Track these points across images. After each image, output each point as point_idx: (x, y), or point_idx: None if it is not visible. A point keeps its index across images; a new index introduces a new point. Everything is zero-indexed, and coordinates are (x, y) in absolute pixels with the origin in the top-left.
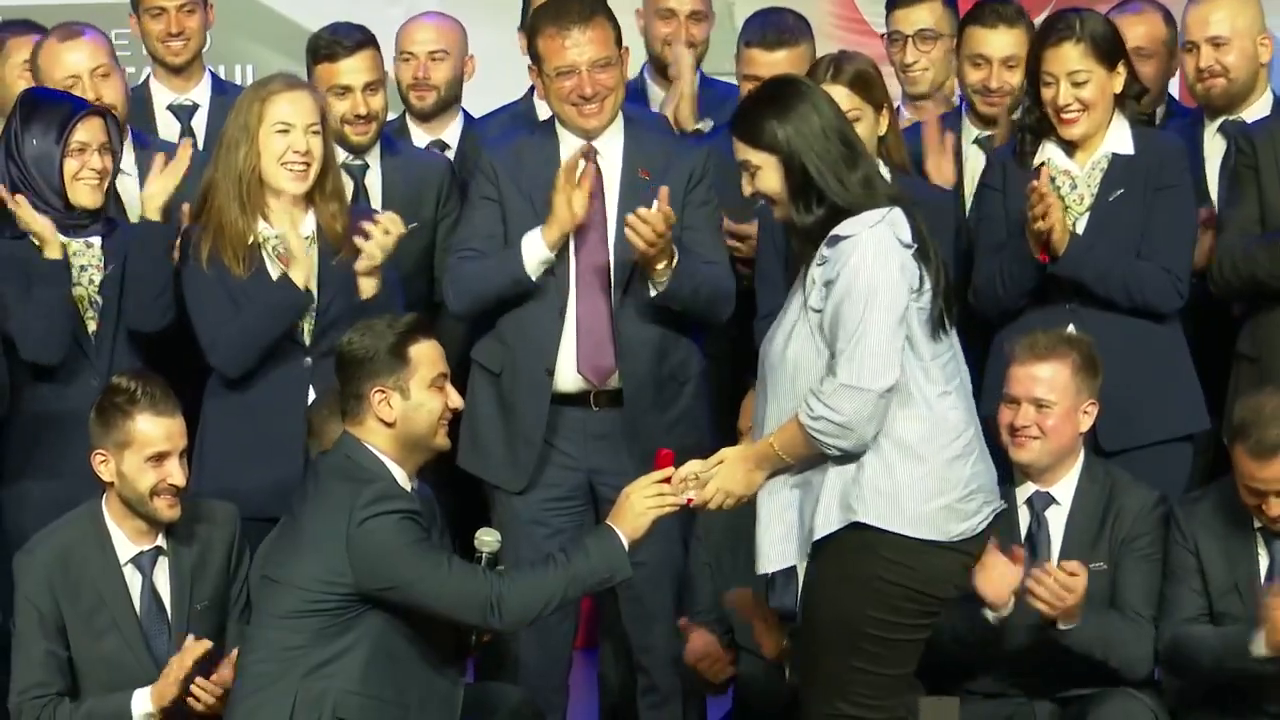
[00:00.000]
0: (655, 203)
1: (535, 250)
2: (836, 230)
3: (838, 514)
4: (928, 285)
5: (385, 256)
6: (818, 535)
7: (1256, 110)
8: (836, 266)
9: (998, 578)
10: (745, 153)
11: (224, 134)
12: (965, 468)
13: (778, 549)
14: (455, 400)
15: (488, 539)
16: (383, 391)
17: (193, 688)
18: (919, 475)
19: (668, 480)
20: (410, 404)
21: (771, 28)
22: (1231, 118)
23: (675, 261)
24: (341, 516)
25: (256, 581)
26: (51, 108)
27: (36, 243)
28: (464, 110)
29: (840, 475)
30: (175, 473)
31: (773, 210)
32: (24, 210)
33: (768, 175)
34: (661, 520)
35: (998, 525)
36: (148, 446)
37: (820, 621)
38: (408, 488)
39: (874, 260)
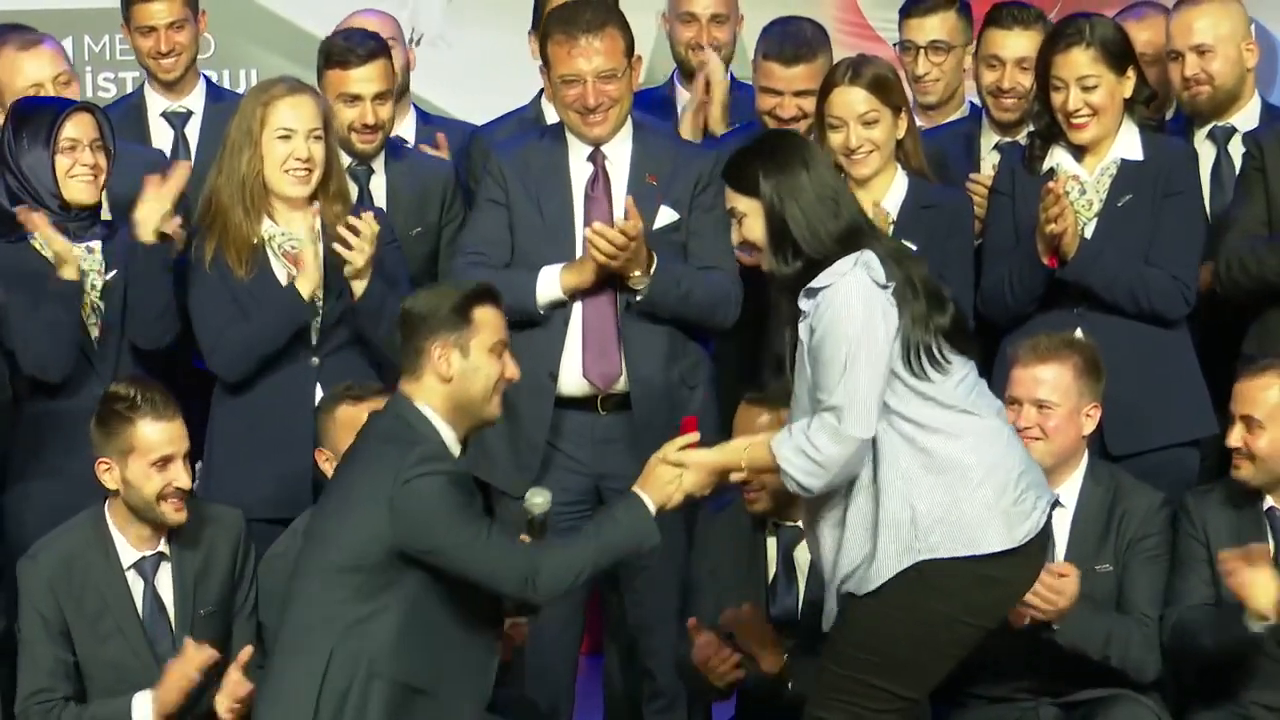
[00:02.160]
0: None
1: (550, 289)
2: (812, 283)
3: (908, 546)
4: (905, 320)
5: (367, 258)
6: (874, 584)
7: (1245, 115)
8: (817, 317)
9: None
10: (733, 199)
11: (227, 138)
12: (1008, 470)
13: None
14: (512, 370)
15: (538, 500)
16: (444, 347)
17: (223, 710)
18: (967, 494)
19: (694, 447)
20: (469, 364)
21: (790, 42)
22: (1220, 123)
23: (654, 268)
24: (387, 475)
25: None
26: (39, 112)
27: (52, 261)
28: (415, 106)
29: (898, 510)
30: (180, 476)
31: (758, 259)
32: (43, 228)
33: (752, 223)
34: (661, 524)
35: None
36: (152, 452)
37: (857, 637)
38: (455, 451)
39: (853, 307)
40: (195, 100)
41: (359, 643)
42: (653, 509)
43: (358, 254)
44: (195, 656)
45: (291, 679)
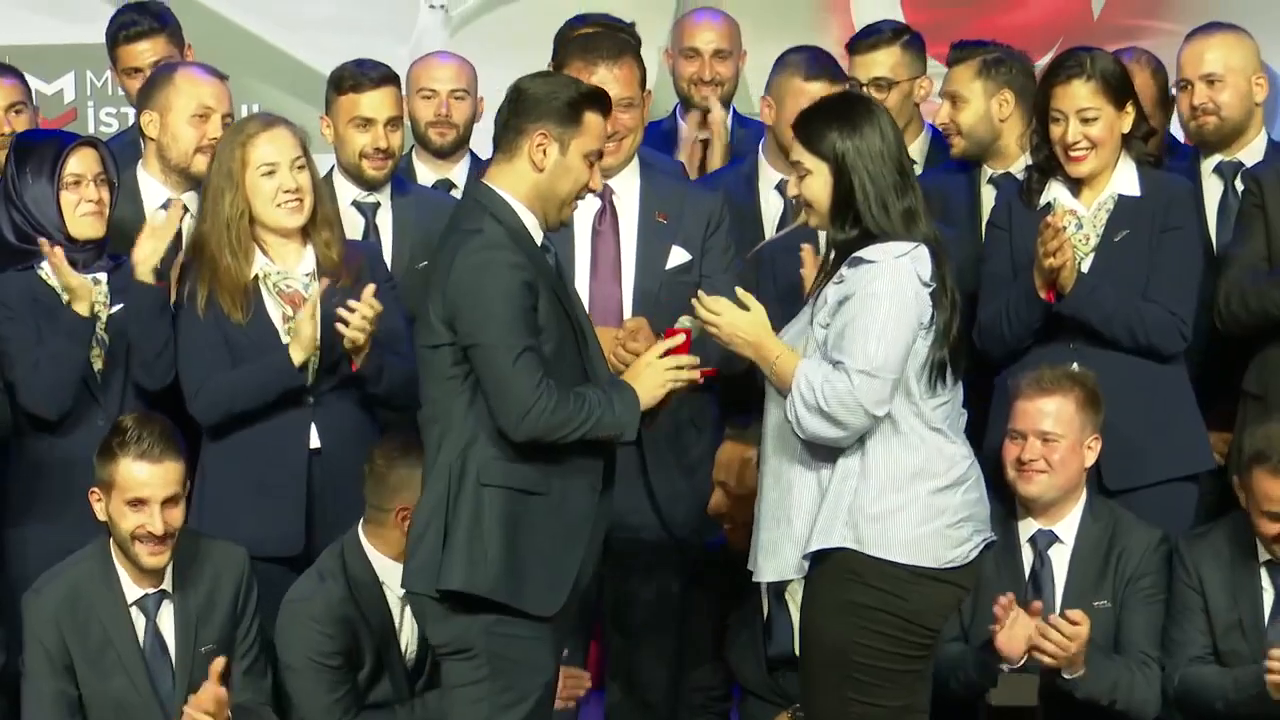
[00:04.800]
0: None
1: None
2: (861, 253)
3: (839, 531)
4: (934, 329)
5: (367, 336)
6: (814, 547)
7: (1251, 150)
8: (854, 287)
9: (1018, 633)
10: (800, 154)
11: (208, 183)
12: (956, 496)
13: (771, 562)
14: (597, 181)
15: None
16: (545, 136)
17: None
18: (909, 501)
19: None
20: (564, 162)
21: (824, 59)
22: (1226, 158)
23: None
24: (446, 262)
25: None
26: (41, 146)
27: (66, 296)
28: (471, 151)
29: (836, 494)
30: (154, 521)
31: (809, 217)
32: (60, 263)
33: (815, 182)
34: (664, 569)
35: (988, 555)
36: (128, 491)
37: (814, 653)
38: (538, 236)
39: (894, 291)
40: None
41: (468, 451)
42: (641, 406)
43: (358, 333)
44: (207, 695)
45: (423, 504)
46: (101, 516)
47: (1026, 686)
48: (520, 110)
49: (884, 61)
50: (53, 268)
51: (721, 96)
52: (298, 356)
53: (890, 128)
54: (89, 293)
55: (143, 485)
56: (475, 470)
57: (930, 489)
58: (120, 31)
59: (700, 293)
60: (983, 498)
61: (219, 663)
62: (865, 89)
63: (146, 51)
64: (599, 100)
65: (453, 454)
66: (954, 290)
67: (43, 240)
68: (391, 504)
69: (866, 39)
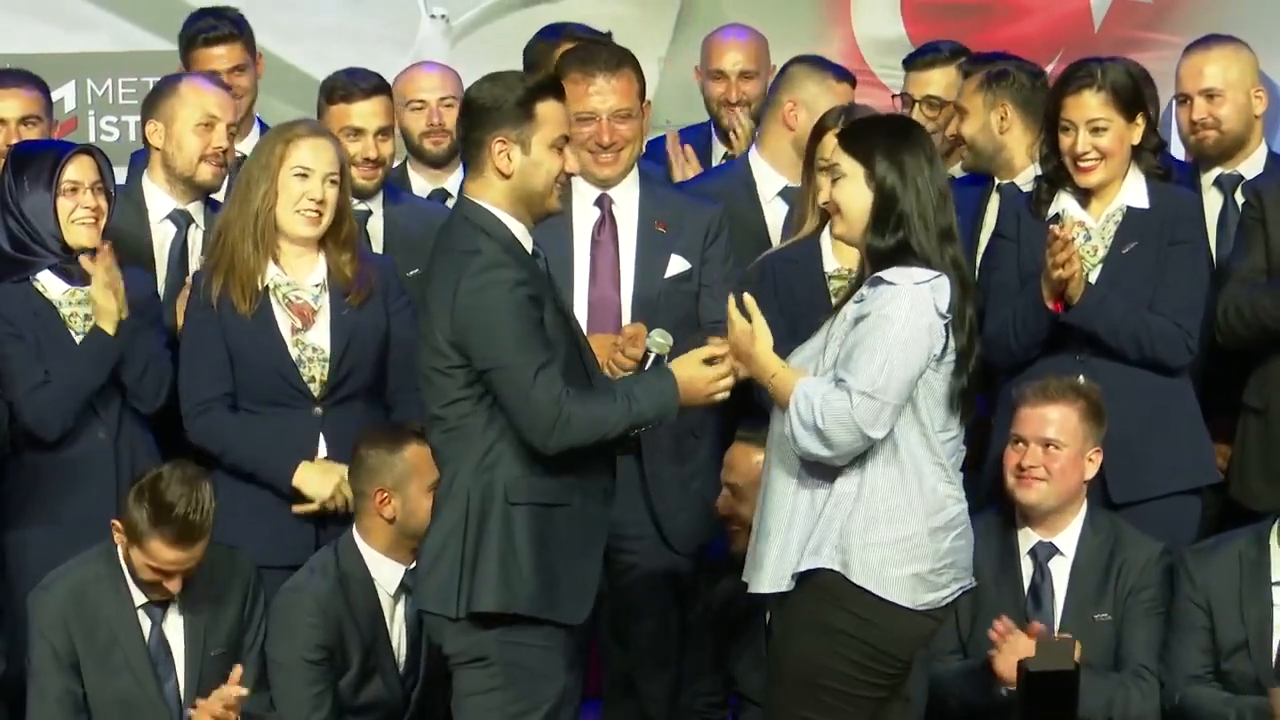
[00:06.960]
0: None
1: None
2: (883, 274)
3: (827, 552)
4: (949, 358)
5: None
6: (804, 566)
7: (1252, 162)
8: (870, 307)
9: (1017, 654)
10: (840, 157)
11: (244, 172)
12: (945, 541)
13: (766, 575)
14: (572, 164)
15: (660, 340)
16: (504, 142)
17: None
18: (898, 539)
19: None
20: (529, 160)
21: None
22: (1227, 170)
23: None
24: (449, 288)
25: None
26: (39, 155)
27: (67, 310)
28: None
29: (830, 516)
30: (174, 583)
31: (835, 224)
32: (102, 272)
33: (850, 186)
34: (663, 581)
35: (987, 563)
36: (154, 561)
37: (782, 667)
38: (527, 244)
39: (909, 316)
40: (249, 144)
41: (490, 474)
42: (680, 392)
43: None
44: (228, 693)
45: (438, 526)
46: (118, 543)
47: (1063, 651)
48: (474, 122)
49: (939, 81)
50: (102, 277)
51: (750, 115)
52: (299, 483)
53: (935, 152)
54: (116, 313)
55: (170, 564)
56: (502, 490)
57: (921, 530)
58: (199, 35)
59: (731, 299)
60: (969, 544)
61: (238, 670)
62: (918, 105)
63: (223, 57)
64: (548, 88)
65: (470, 476)
66: (973, 323)
67: (104, 244)
68: (369, 487)
69: (924, 57)
